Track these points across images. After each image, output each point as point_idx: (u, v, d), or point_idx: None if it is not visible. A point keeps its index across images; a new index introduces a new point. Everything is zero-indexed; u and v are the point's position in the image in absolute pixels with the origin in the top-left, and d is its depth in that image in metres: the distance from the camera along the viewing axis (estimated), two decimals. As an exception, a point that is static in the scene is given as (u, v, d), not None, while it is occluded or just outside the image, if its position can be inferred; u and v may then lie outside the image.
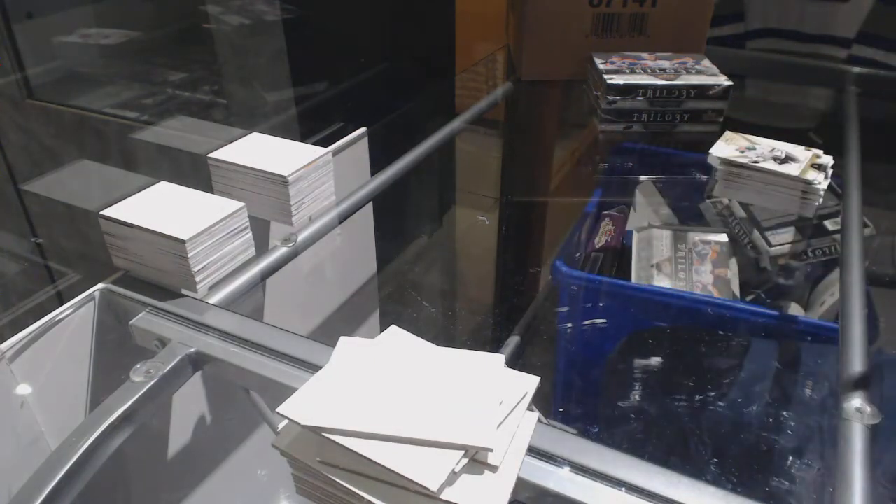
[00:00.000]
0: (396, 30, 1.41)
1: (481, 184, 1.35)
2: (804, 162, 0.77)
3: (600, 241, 1.03)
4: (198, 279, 0.55)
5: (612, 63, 0.99)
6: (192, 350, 0.51)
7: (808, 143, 0.80)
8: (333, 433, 0.37)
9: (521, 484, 0.39)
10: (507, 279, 1.28)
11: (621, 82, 0.93)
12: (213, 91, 1.46)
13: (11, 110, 1.43)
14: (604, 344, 0.92)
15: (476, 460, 0.37)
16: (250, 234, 0.59)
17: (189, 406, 0.68)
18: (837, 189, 0.94)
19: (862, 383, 0.51)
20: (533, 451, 0.41)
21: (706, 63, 0.99)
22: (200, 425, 0.70)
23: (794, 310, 0.94)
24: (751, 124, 1.22)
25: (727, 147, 0.79)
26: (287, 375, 0.49)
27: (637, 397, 0.89)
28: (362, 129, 0.86)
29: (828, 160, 0.78)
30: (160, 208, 0.57)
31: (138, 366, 0.49)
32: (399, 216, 1.24)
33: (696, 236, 0.95)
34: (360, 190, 0.76)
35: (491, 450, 0.37)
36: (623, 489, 0.39)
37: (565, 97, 1.19)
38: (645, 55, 1.03)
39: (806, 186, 0.75)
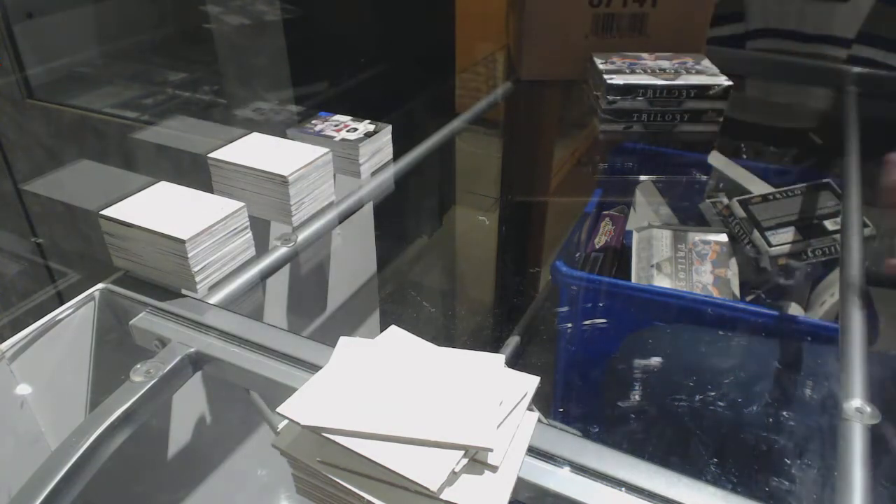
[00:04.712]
0: (396, 29, 1.41)
1: (481, 184, 1.35)
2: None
3: (600, 241, 1.03)
4: (198, 279, 0.55)
5: (612, 63, 0.99)
6: (192, 350, 0.51)
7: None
8: (333, 433, 0.37)
9: (521, 484, 0.39)
10: (507, 279, 1.28)
11: (621, 82, 0.93)
12: (213, 91, 1.46)
13: (11, 110, 1.43)
14: (604, 344, 0.92)
15: (476, 460, 0.37)
16: (250, 234, 0.59)
17: (189, 406, 0.68)
18: (837, 189, 0.94)
19: (862, 383, 0.51)
20: (533, 451, 0.41)
21: (706, 63, 0.99)
22: (200, 425, 0.70)
23: (794, 310, 0.94)
24: (751, 124, 1.22)
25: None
26: (287, 375, 0.49)
27: (637, 397, 0.89)
28: (362, 129, 0.85)
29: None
30: (160, 208, 0.57)
31: (138, 366, 0.49)
32: (399, 216, 1.24)
33: (696, 236, 0.95)
34: (360, 190, 0.76)
35: (491, 450, 0.37)
36: (623, 489, 0.39)
37: (565, 97, 1.19)
38: (645, 55, 1.03)
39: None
